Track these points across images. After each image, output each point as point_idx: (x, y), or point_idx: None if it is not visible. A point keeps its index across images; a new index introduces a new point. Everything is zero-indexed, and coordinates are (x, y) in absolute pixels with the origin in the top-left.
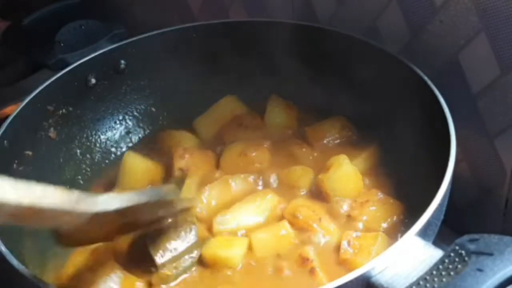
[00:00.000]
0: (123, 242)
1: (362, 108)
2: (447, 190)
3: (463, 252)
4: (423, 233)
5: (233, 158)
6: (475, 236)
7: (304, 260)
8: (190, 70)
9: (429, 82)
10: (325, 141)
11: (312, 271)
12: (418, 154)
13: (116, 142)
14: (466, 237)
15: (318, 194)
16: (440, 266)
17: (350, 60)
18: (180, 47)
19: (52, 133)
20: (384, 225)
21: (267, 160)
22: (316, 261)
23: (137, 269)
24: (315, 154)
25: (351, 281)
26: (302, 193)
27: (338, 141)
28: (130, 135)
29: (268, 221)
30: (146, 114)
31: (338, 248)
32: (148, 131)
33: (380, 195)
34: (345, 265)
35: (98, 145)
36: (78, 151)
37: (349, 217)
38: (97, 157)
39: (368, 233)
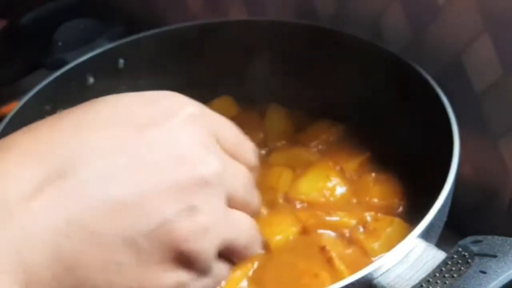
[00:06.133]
0: None
1: (362, 108)
2: (450, 191)
3: (466, 254)
4: (425, 235)
5: None
6: (479, 237)
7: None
8: (189, 69)
9: (432, 82)
10: (318, 143)
11: (329, 260)
12: (421, 155)
13: None
14: (469, 239)
15: None
16: (443, 268)
17: (351, 60)
18: (179, 46)
19: None
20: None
21: None
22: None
23: None
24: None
25: (352, 283)
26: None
27: (323, 145)
28: None
29: None
30: None
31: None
32: None
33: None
34: (357, 246)
35: None
36: None
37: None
38: None
39: (385, 216)
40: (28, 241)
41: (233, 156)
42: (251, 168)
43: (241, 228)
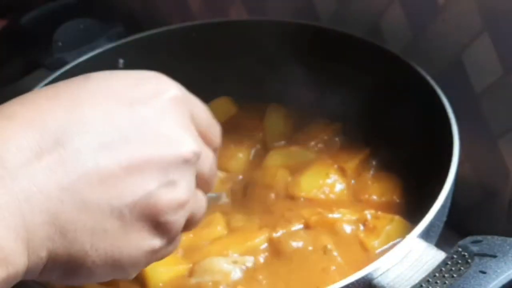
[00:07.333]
0: None
1: (362, 108)
2: (449, 191)
3: (466, 254)
4: (425, 235)
5: None
6: (478, 237)
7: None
8: (189, 69)
9: (432, 82)
10: (316, 142)
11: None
12: (420, 155)
13: None
14: (469, 239)
15: None
16: (443, 268)
17: (351, 60)
18: (179, 46)
19: None
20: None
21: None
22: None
23: None
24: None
25: (352, 283)
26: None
27: (321, 144)
28: None
29: None
30: None
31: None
32: None
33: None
34: (357, 243)
35: None
36: None
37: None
38: None
39: (385, 214)
40: (28, 203)
41: (204, 137)
42: (215, 150)
43: (201, 206)
